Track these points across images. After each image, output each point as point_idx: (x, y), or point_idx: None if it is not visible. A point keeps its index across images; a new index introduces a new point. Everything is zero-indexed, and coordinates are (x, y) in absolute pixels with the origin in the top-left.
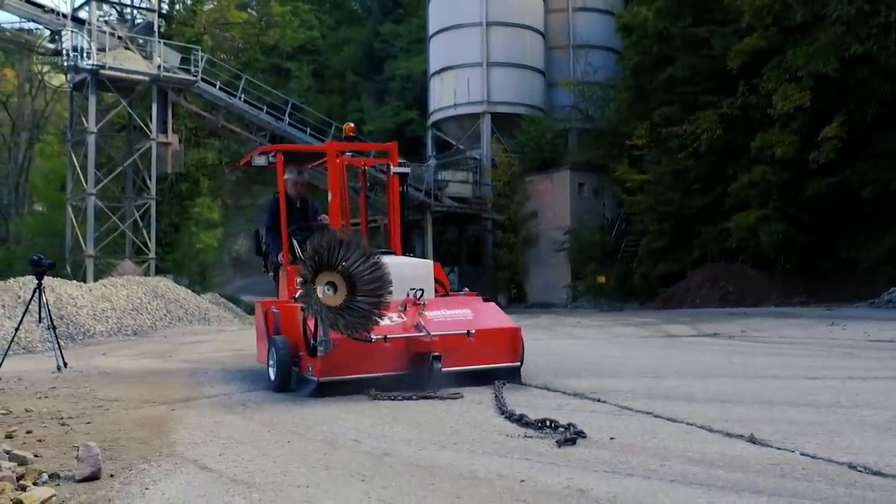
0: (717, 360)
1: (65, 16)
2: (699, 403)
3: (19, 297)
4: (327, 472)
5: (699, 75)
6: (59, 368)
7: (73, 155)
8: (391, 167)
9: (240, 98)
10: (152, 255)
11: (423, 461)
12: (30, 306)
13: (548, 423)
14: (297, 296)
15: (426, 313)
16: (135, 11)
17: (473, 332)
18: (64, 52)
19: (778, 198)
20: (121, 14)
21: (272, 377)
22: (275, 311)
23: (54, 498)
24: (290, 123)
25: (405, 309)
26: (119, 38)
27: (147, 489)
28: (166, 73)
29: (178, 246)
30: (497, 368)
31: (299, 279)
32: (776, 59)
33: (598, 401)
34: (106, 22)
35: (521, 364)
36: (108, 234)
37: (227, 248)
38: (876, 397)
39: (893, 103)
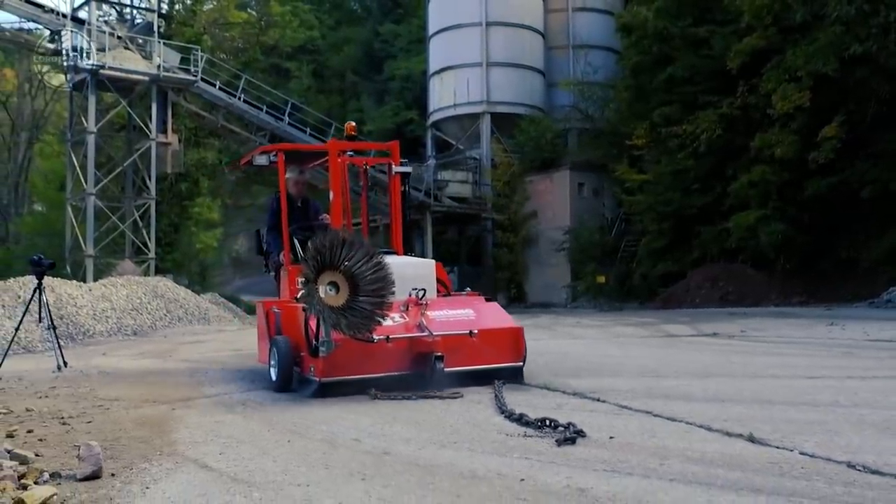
0: (717, 359)
1: (64, 16)
2: (698, 403)
3: (19, 297)
4: (327, 471)
5: (699, 75)
6: (59, 368)
7: (72, 155)
8: (393, 166)
9: (239, 98)
10: (152, 255)
11: (422, 460)
12: (30, 306)
13: (547, 422)
14: (299, 296)
15: (428, 313)
16: (134, 11)
17: (476, 332)
18: (64, 52)
19: (777, 198)
20: (120, 14)
21: (274, 377)
22: (276, 311)
23: (55, 497)
24: (289, 123)
25: (407, 309)
26: (119, 38)
27: (148, 488)
28: (166, 73)
29: (177, 246)
30: (500, 368)
31: (301, 279)
32: (776, 59)
33: (598, 400)
34: (106, 22)
35: (524, 364)
36: (107, 234)
37: (227, 248)
38: (875, 397)
39: (893, 103)
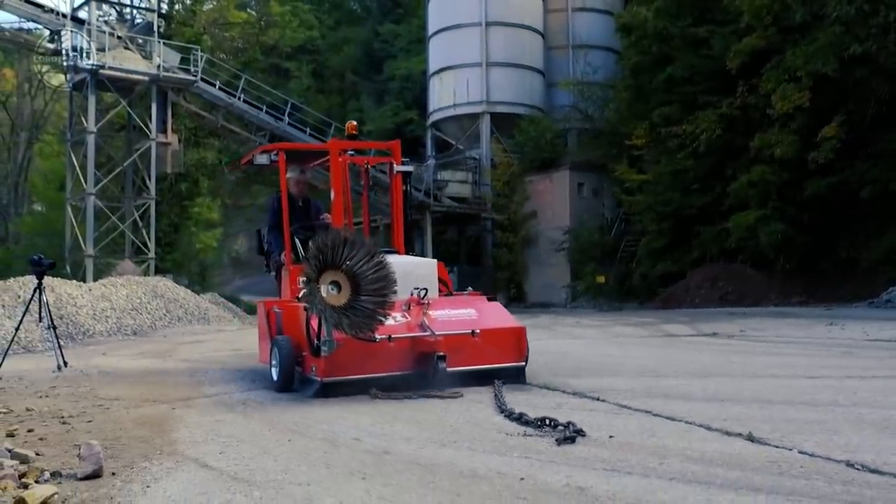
0: (716, 359)
1: (64, 16)
2: (698, 402)
3: (19, 297)
4: (328, 471)
5: (698, 75)
6: (59, 368)
7: (72, 155)
8: (394, 165)
9: (239, 98)
10: (152, 254)
11: (423, 459)
12: (30, 306)
13: (547, 421)
14: (300, 295)
15: (430, 313)
16: (134, 11)
17: (478, 331)
18: (63, 51)
19: (777, 198)
20: (120, 14)
21: (275, 377)
22: (277, 310)
23: (56, 495)
24: (289, 123)
25: (409, 308)
26: (118, 37)
27: (149, 487)
28: (166, 73)
29: (177, 246)
30: (502, 368)
31: (303, 278)
32: (775, 59)
33: (598, 399)
34: (105, 22)
35: (527, 364)
36: (107, 234)
37: (227, 248)
38: (874, 396)
39: (892, 103)
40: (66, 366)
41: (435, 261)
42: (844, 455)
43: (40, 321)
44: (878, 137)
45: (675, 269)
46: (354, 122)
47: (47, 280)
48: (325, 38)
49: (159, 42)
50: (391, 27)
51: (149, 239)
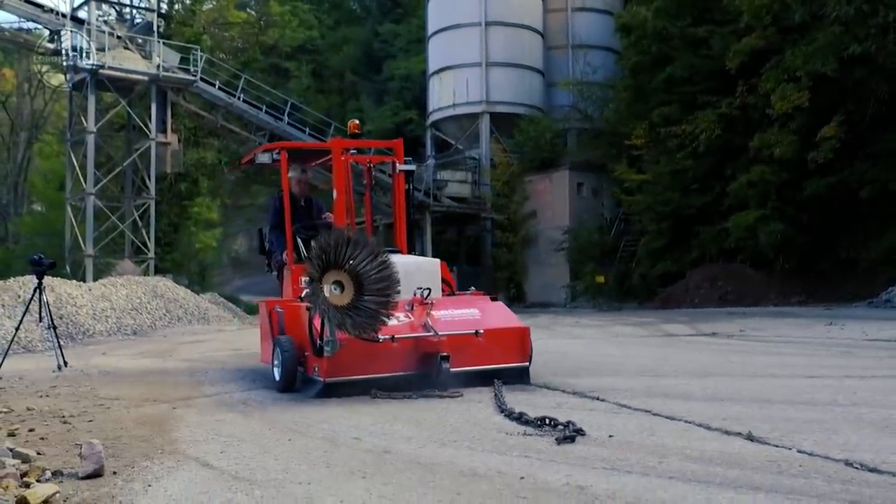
0: (716, 359)
1: (64, 15)
2: (697, 402)
3: (19, 297)
4: (328, 470)
5: (698, 75)
6: (59, 367)
7: (72, 155)
8: (396, 164)
9: (239, 98)
10: (151, 254)
11: (423, 459)
12: (30, 306)
13: (547, 420)
14: (303, 295)
15: (434, 313)
16: (134, 11)
17: (482, 331)
18: (63, 51)
19: (776, 198)
20: (120, 14)
21: (277, 377)
22: (279, 310)
23: (58, 494)
24: (289, 123)
25: (412, 308)
26: (118, 37)
27: (150, 486)
28: (165, 73)
29: (177, 246)
30: (506, 368)
31: (306, 278)
32: (775, 59)
33: (597, 399)
34: (105, 22)
35: (530, 364)
36: (107, 234)
37: (227, 247)
38: (873, 396)
39: (892, 103)
40: (66, 365)
41: (438, 260)
42: (843, 454)
43: (40, 321)
44: (877, 137)
45: (675, 269)
46: (357, 121)
47: (47, 280)
48: (324, 38)
49: (159, 42)
50: (391, 27)
51: (148, 239)
